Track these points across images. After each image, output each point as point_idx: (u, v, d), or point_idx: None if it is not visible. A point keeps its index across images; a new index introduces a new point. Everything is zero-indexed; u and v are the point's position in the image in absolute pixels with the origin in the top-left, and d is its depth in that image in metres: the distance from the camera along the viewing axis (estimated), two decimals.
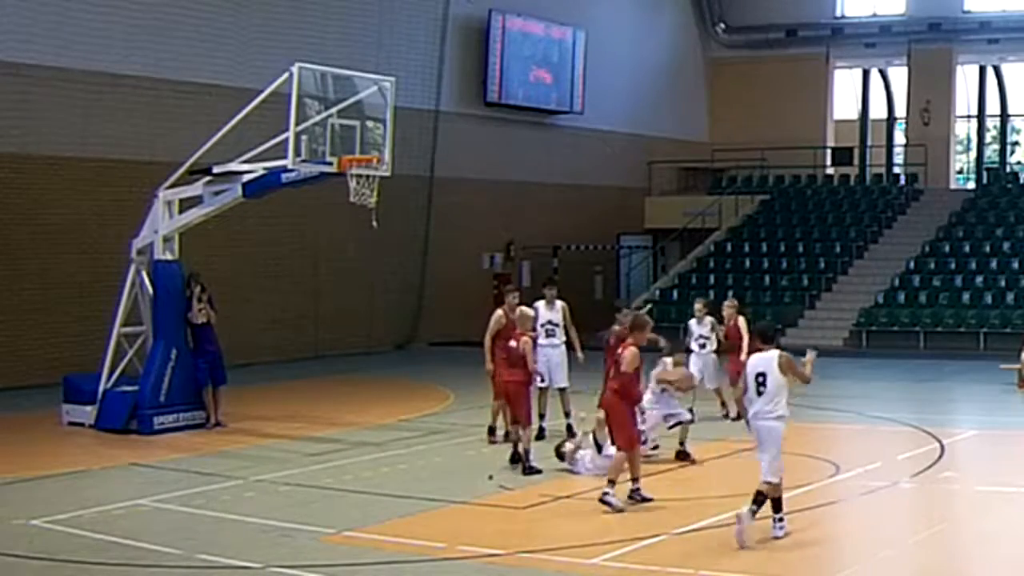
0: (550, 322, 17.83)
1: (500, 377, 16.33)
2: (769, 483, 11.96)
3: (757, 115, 41.68)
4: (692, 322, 19.87)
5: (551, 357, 17.77)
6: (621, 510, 13.06)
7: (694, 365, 18.93)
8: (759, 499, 11.89)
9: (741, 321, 19.30)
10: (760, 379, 12.03)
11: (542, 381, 17.59)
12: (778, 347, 12.30)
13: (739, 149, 40.23)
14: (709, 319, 19.63)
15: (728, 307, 19.68)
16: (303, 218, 29.11)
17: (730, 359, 19.10)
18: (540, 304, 17.91)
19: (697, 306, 20.09)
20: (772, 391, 11.98)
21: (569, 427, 17.91)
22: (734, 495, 13.84)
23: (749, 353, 16.03)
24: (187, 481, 15.02)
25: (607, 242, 39.19)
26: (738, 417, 17.02)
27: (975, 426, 19.15)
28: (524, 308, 16.52)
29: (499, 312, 17.15)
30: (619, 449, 13.53)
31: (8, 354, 24.00)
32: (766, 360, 12.11)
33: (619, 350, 13.75)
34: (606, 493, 13.14)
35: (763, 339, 12.46)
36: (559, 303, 18.02)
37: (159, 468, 16.07)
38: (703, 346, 19.37)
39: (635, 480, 13.54)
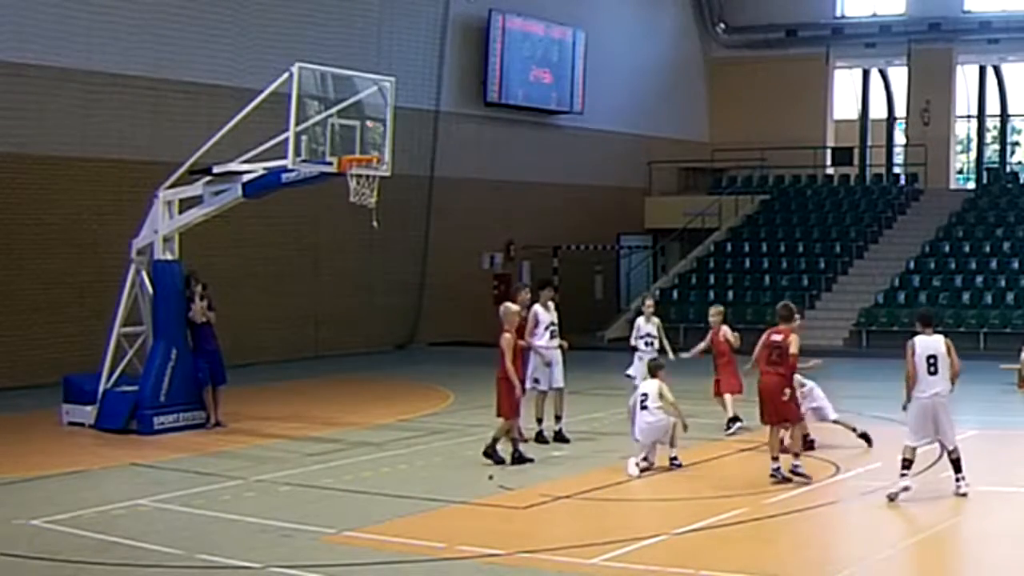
0: (552, 323, 17.73)
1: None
2: (957, 447, 13.62)
3: (757, 115, 41.67)
4: (640, 320, 19.27)
5: (555, 357, 17.62)
6: (808, 478, 14.45)
7: (639, 363, 18.60)
8: (959, 466, 13.56)
9: (725, 329, 18.63)
10: (931, 360, 13.49)
11: (537, 383, 17.46)
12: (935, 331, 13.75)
13: (739, 149, 40.25)
14: (656, 319, 19.30)
15: (714, 315, 19.02)
16: (303, 218, 29.10)
17: (720, 371, 18.60)
18: (539, 308, 17.72)
19: (648, 303, 19.72)
20: (944, 371, 13.48)
21: (558, 432, 17.68)
22: (734, 495, 13.89)
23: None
24: (187, 481, 15.01)
25: (607, 242, 39.19)
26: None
27: (975, 426, 19.12)
28: (509, 304, 16.46)
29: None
30: (791, 424, 14.74)
31: (8, 354, 24.00)
32: (935, 343, 13.60)
33: (776, 337, 14.72)
34: (796, 466, 14.49)
35: (925, 323, 13.77)
36: (551, 304, 17.92)
37: (159, 468, 16.06)
38: (649, 344, 18.97)
39: (796, 456, 14.60)
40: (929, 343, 13.61)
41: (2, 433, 19.28)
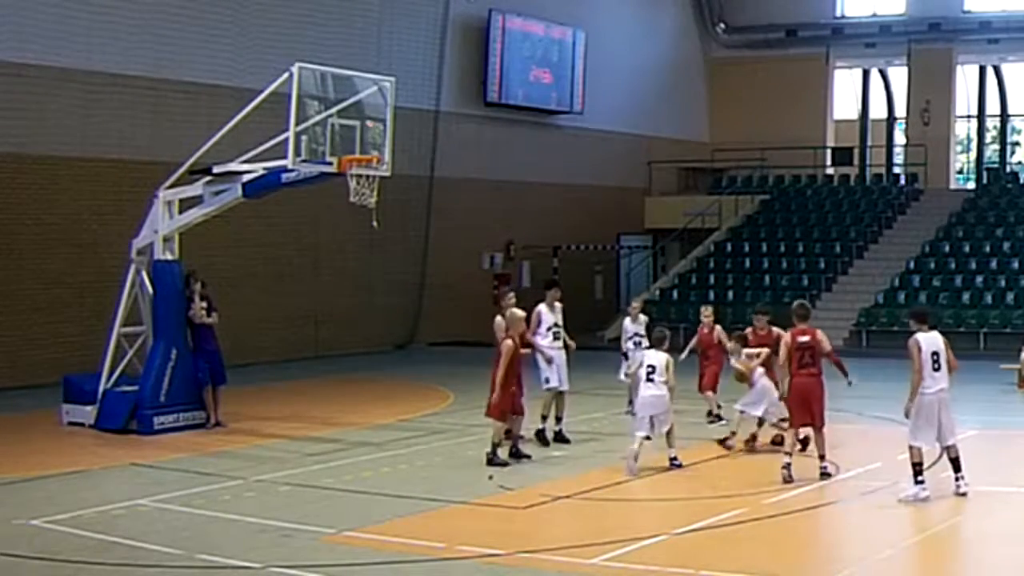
0: (556, 324, 17.62)
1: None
2: (956, 446, 13.68)
3: (757, 115, 41.67)
4: (627, 321, 20.07)
5: (558, 358, 17.49)
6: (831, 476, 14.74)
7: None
8: (958, 465, 13.59)
9: (720, 330, 19.22)
10: (935, 357, 13.49)
11: (547, 382, 17.36)
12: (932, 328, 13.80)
13: (739, 149, 40.24)
14: (643, 317, 19.94)
15: (707, 315, 19.52)
16: (303, 218, 29.11)
17: (708, 367, 19.13)
18: (543, 308, 17.70)
19: (633, 305, 20.55)
20: (944, 367, 13.54)
21: (558, 433, 17.67)
22: (734, 495, 13.89)
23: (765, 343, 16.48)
24: (187, 481, 15.02)
25: (607, 242, 39.19)
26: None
27: (975, 426, 19.13)
28: (515, 309, 16.44)
29: (498, 319, 17.03)
30: (819, 429, 14.89)
31: (8, 354, 24.00)
32: (936, 339, 13.63)
33: (802, 338, 14.79)
34: (825, 467, 14.72)
35: (921, 320, 13.78)
36: (558, 305, 17.85)
37: (159, 468, 16.06)
38: (638, 344, 19.29)
39: (822, 458, 14.81)
40: (931, 340, 13.62)
41: (2, 433, 19.29)
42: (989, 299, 32.62)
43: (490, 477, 14.90)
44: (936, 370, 13.52)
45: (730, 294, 34.86)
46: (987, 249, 34.60)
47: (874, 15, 41.71)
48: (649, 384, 15.36)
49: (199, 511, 13.33)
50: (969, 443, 17.88)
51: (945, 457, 13.84)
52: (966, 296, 32.92)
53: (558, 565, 11.14)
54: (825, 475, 14.70)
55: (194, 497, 14.00)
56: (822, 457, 14.82)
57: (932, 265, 34.69)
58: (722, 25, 43.28)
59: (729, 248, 37.80)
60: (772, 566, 11.15)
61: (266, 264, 28.96)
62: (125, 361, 19.49)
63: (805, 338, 14.87)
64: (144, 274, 19.54)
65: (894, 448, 16.28)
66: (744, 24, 42.91)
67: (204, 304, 19.28)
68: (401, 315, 32.68)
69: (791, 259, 36.51)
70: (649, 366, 15.45)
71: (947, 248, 35.36)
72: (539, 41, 36.48)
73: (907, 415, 13.67)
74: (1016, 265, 33.61)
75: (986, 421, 19.82)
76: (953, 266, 34.41)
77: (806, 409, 14.83)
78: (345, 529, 12.45)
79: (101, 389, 19.16)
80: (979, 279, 33.47)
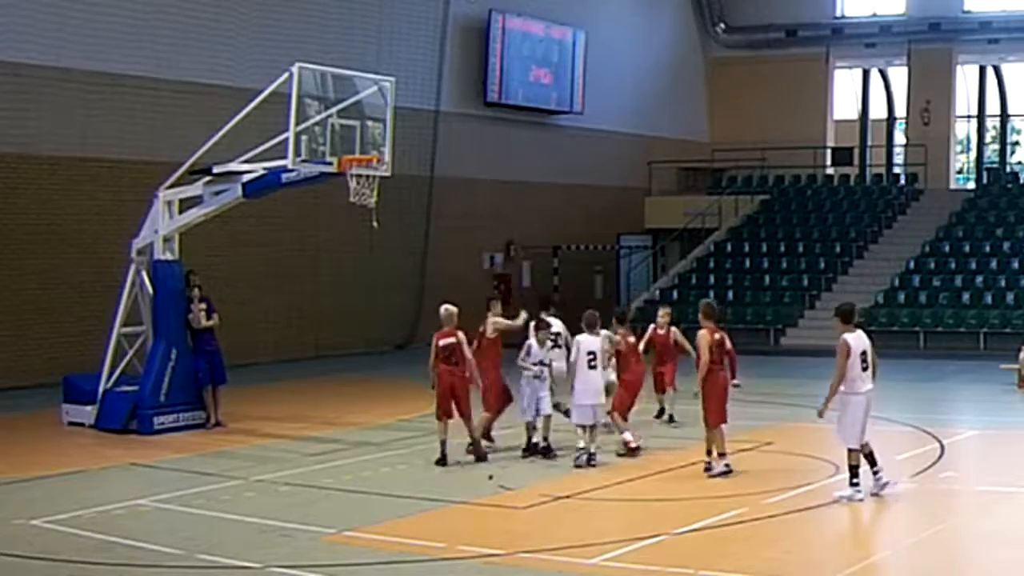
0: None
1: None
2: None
3: (757, 115, 41.68)
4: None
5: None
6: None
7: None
8: (874, 459, 13.57)
9: (674, 331, 19.08)
10: (863, 356, 13.42)
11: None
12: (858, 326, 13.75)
13: (739, 149, 40.24)
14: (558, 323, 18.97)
15: (662, 316, 19.30)
16: (303, 218, 29.12)
17: (668, 367, 19.06)
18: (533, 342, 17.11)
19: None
20: (871, 368, 13.50)
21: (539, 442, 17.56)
22: (733, 495, 13.88)
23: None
24: (187, 481, 15.03)
25: (607, 242, 39.19)
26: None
27: (975, 426, 19.14)
28: (449, 307, 16.53)
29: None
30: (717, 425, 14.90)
31: (8, 354, 24.01)
32: (864, 339, 13.55)
33: (718, 336, 14.83)
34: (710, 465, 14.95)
35: (847, 319, 13.63)
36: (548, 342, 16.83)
37: (159, 468, 16.08)
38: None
39: (722, 455, 14.91)
40: (859, 340, 13.58)
41: (2, 433, 19.31)
42: (989, 299, 32.60)
43: (490, 477, 14.93)
44: (864, 370, 13.50)
45: (730, 294, 34.84)
46: (987, 249, 34.58)
47: (874, 15, 41.71)
48: (591, 372, 15.30)
49: (199, 511, 13.34)
50: (969, 443, 17.93)
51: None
52: (966, 296, 32.90)
53: (558, 565, 11.14)
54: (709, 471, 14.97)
55: (194, 497, 14.01)
56: (722, 455, 14.96)
57: (932, 265, 34.67)
58: (722, 25, 43.28)
59: (729, 248, 37.78)
60: (772, 566, 11.15)
61: (266, 264, 28.96)
62: (125, 361, 19.50)
63: (718, 335, 14.98)
64: (144, 274, 19.56)
65: (894, 448, 16.29)
66: (744, 24, 42.92)
67: (203, 306, 19.29)
68: (401, 315, 32.66)
69: (791, 259, 36.49)
70: (589, 352, 15.35)
71: (947, 248, 35.34)
72: (539, 41, 36.49)
73: (820, 415, 13.61)
74: (1016, 265, 33.59)
75: (986, 421, 19.83)
76: (953, 266, 34.39)
77: (726, 406, 14.94)
78: (345, 529, 12.46)
79: (101, 389, 19.17)
80: (979, 279, 33.45)
